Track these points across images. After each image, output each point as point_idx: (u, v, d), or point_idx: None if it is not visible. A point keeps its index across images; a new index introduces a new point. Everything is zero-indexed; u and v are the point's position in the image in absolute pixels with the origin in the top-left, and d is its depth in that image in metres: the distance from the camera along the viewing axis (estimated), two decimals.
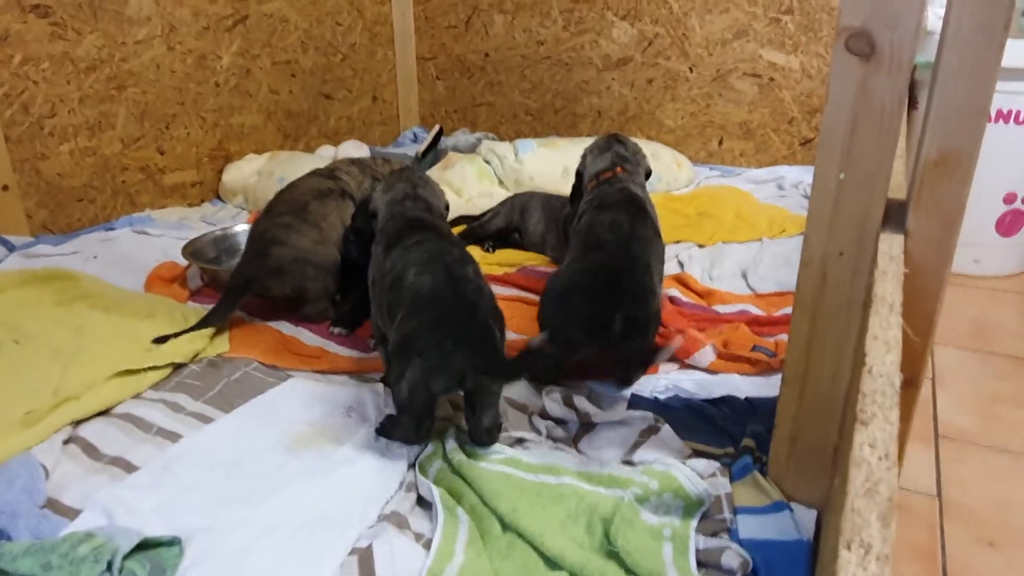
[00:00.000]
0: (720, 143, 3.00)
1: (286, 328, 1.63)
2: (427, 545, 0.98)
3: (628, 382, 1.39)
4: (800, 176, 2.69)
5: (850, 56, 0.82)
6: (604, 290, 1.32)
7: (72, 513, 1.04)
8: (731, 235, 2.20)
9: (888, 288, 0.69)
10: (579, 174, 1.66)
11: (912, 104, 2.26)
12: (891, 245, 0.81)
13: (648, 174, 1.67)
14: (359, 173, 1.89)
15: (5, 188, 2.07)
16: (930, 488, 1.30)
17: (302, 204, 1.71)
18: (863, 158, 0.85)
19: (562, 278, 1.41)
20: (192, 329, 1.54)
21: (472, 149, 2.84)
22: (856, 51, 0.82)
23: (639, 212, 1.48)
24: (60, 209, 2.26)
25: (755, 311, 1.71)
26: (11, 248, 2.02)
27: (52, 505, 1.06)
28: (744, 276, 1.94)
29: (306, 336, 1.60)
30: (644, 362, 1.40)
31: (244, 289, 1.60)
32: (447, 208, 1.47)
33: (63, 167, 2.23)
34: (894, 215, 0.91)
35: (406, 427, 1.16)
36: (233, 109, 2.72)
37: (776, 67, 2.79)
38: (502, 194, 2.48)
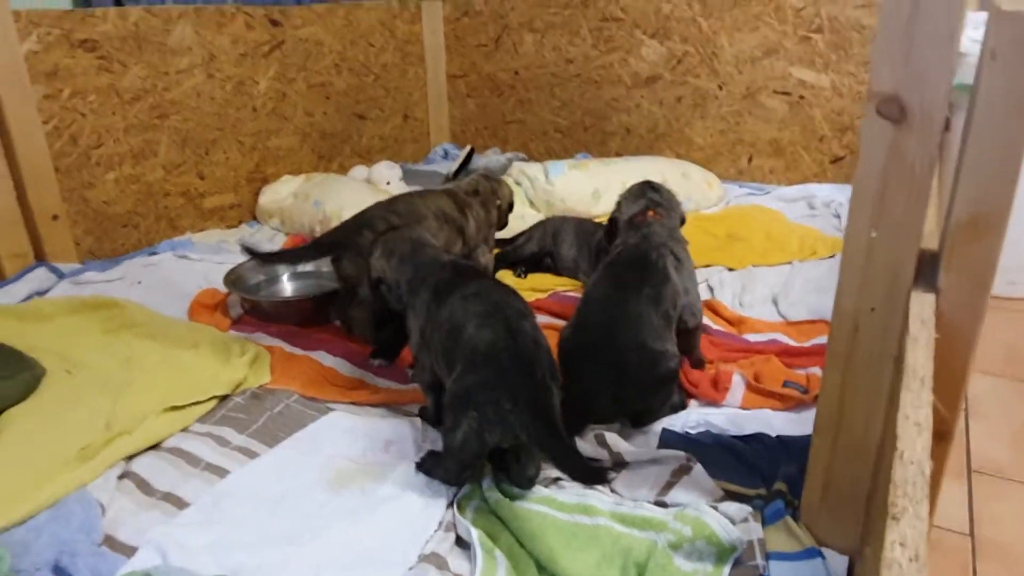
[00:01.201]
0: (750, 160, 3.00)
1: (325, 359, 1.67)
2: None
3: (640, 425, 1.42)
4: (831, 194, 2.67)
5: (881, 120, 0.84)
6: (589, 371, 1.37)
7: (128, 550, 1.09)
8: (762, 258, 2.20)
9: (919, 359, 0.70)
10: (614, 221, 1.68)
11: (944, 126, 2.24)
12: (922, 306, 0.82)
13: (682, 221, 1.68)
14: (484, 220, 1.94)
15: (55, 218, 2.15)
16: (963, 526, 1.30)
17: (421, 215, 1.76)
18: (894, 217, 0.87)
19: (562, 341, 1.45)
20: (273, 259, 1.89)
21: (503, 170, 2.87)
22: (887, 115, 0.83)
23: (643, 274, 1.46)
24: (106, 235, 2.34)
25: (786, 340, 1.71)
26: (61, 275, 2.10)
27: (108, 542, 1.11)
28: (775, 302, 1.94)
29: (345, 367, 1.64)
30: (655, 414, 1.43)
31: (327, 249, 1.72)
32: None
33: (109, 195, 2.31)
34: (926, 269, 0.92)
35: (449, 470, 1.19)
36: (270, 132, 2.78)
37: (806, 85, 2.79)
38: (533, 216, 2.51)
